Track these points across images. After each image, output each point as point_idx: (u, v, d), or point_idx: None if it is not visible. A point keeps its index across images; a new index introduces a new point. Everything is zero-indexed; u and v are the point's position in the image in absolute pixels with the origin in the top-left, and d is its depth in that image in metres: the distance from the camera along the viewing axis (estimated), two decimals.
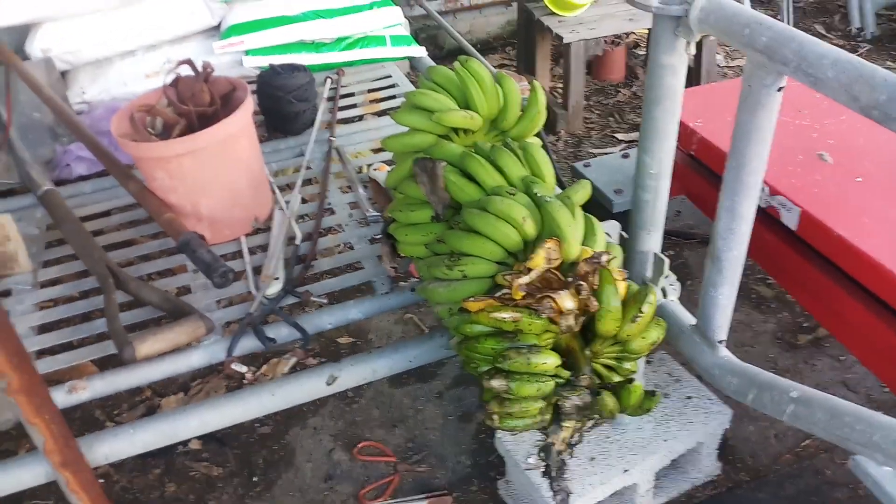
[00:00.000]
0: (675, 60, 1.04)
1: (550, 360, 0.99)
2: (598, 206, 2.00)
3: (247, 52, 1.96)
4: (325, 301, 1.27)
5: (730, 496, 1.70)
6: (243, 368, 1.14)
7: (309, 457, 1.74)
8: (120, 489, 1.68)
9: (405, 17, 3.45)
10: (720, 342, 1.15)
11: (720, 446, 1.67)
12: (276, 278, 1.31)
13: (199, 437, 1.79)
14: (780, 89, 0.88)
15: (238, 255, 1.42)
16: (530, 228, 1.07)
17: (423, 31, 3.42)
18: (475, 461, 1.75)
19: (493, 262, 1.08)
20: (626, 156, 2.11)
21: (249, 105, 1.39)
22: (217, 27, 2.01)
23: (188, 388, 1.88)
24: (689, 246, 2.45)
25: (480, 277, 1.08)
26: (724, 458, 1.75)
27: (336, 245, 1.44)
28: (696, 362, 1.19)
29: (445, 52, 3.42)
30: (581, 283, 0.99)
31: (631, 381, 0.99)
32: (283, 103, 1.73)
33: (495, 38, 3.66)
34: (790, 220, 1.50)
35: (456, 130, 1.27)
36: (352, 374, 1.18)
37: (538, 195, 1.10)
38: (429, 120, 1.23)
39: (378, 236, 1.47)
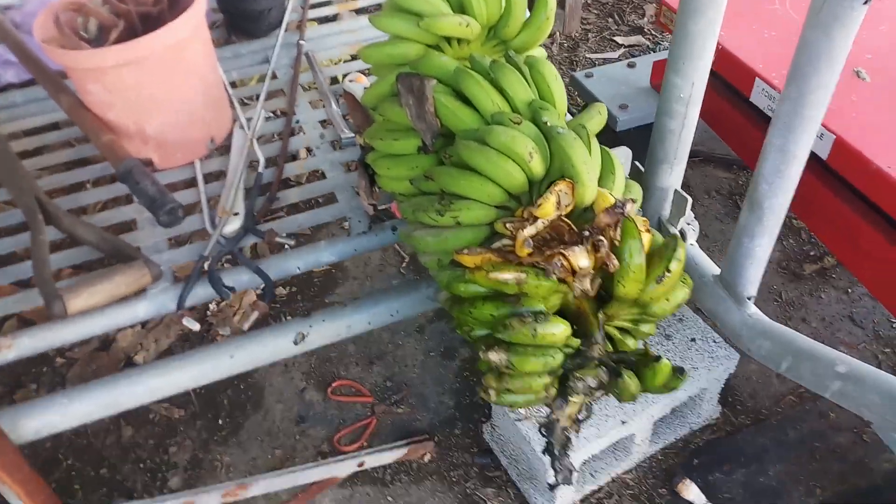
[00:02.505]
0: None
1: (560, 330, 0.83)
2: None
3: None
4: (291, 243, 1.09)
5: (729, 442, 1.60)
6: (195, 326, 0.97)
7: (279, 397, 1.60)
8: (72, 433, 1.54)
9: None
10: (749, 298, 1.00)
11: (721, 388, 1.56)
12: (236, 213, 1.12)
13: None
14: (866, 1, 0.69)
15: (192, 182, 1.22)
16: (538, 166, 0.89)
17: None
18: (458, 402, 1.62)
19: (491, 206, 0.90)
20: (631, 65, 1.90)
21: (202, 3, 1.16)
22: None
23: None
24: (691, 164, 2.27)
25: (476, 225, 0.91)
26: (724, 398, 1.64)
27: (305, 172, 1.25)
28: (718, 319, 1.04)
29: None
30: (600, 237, 0.82)
31: (658, 358, 0.83)
32: (244, 0, 1.48)
33: None
34: (822, 147, 1.33)
35: (448, 40, 1.06)
36: (323, 332, 1.02)
37: (548, 124, 0.91)
38: (416, 26, 1.02)
39: (353, 161, 1.28)
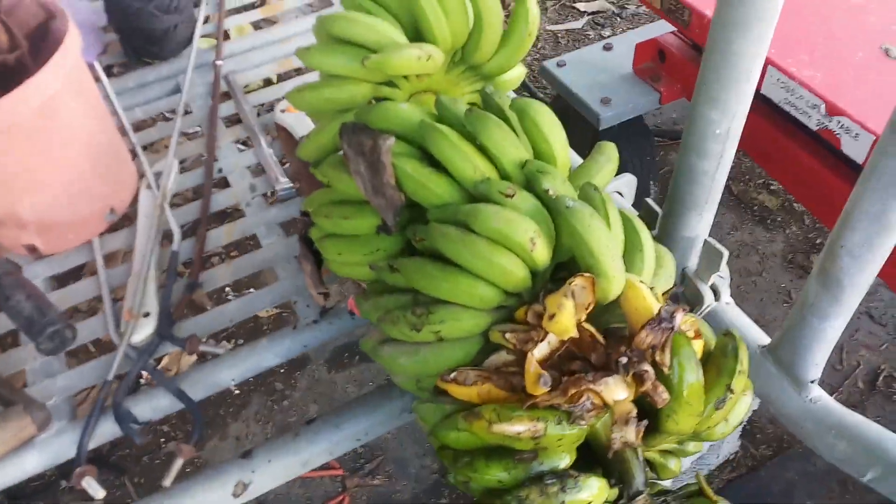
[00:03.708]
0: None
1: (597, 492, 0.60)
2: (580, 122, 1.56)
3: None
4: (220, 351, 0.85)
5: (752, 479, 1.42)
6: (100, 493, 0.73)
7: None
8: None
9: None
10: (812, 381, 0.78)
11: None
12: (146, 314, 0.87)
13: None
14: None
15: (93, 267, 0.96)
16: (542, 254, 0.66)
17: None
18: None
19: (484, 310, 0.67)
20: (608, 48, 1.66)
21: (74, 42, 0.88)
22: None
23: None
24: (676, 147, 2.06)
25: (465, 338, 0.67)
26: (742, 428, 1.46)
27: (234, 241, 0.99)
28: (772, 404, 0.83)
29: None
30: (644, 367, 0.59)
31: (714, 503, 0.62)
32: (143, 18, 1.19)
33: None
34: (856, 150, 1.11)
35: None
36: (271, 475, 0.78)
37: (550, 194, 0.67)
38: (360, 64, 0.76)
39: (295, 218, 1.03)
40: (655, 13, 1.45)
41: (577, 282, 0.63)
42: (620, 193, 1.03)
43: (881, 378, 1.52)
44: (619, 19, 2.45)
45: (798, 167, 1.28)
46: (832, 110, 1.11)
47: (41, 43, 0.91)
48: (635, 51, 1.56)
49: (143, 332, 0.85)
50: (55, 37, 0.92)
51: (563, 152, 0.72)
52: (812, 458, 1.43)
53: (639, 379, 0.60)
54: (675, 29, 1.50)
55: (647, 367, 0.59)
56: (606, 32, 2.41)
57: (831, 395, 0.97)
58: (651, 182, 1.74)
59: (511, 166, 0.70)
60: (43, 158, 0.88)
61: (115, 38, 1.26)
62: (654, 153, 1.74)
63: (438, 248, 0.67)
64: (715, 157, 0.77)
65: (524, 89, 2.14)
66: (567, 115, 1.55)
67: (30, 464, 0.78)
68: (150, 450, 1.41)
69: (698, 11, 1.34)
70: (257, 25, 1.39)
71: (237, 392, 1.50)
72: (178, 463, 0.76)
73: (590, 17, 2.47)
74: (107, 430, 0.80)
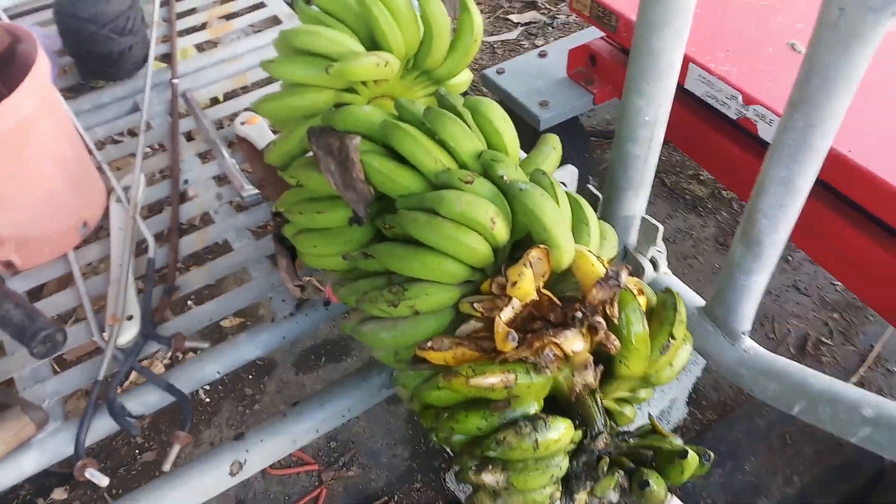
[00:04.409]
0: None
1: (564, 431, 0.68)
2: (521, 125, 1.66)
3: None
4: (205, 346, 0.90)
5: (701, 443, 1.53)
6: (104, 480, 0.78)
7: None
8: None
9: None
10: (744, 333, 0.88)
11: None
12: (129, 317, 0.92)
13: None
14: None
15: (68, 280, 1.00)
16: (502, 232, 0.74)
17: None
18: (413, 451, 1.47)
19: (453, 285, 0.75)
20: (543, 55, 1.76)
21: (43, 64, 0.93)
22: None
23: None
24: (609, 146, 2.18)
25: (438, 310, 0.75)
26: (688, 396, 1.57)
27: (207, 246, 1.05)
28: (710, 356, 0.93)
29: None
30: (598, 318, 0.68)
31: (683, 453, 0.70)
32: (99, 41, 1.24)
33: None
34: (771, 134, 1.23)
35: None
36: (264, 454, 0.84)
37: (505, 179, 0.75)
38: (322, 72, 0.83)
39: (262, 225, 1.09)
40: (585, 21, 1.56)
41: (534, 253, 0.71)
42: (564, 183, 1.13)
43: (809, 343, 1.66)
44: (550, 28, 2.58)
45: (723, 154, 1.40)
46: (748, 100, 1.23)
47: (11, 66, 0.95)
48: (568, 56, 1.67)
49: (129, 333, 0.90)
50: (22, 60, 0.96)
51: (513, 144, 0.81)
52: (754, 419, 1.54)
53: (593, 331, 0.69)
54: (604, 34, 1.61)
55: (599, 318, 0.68)
56: (539, 41, 2.53)
57: None
58: (589, 177, 1.85)
59: (468, 157, 0.78)
60: (18, 178, 0.92)
61: (69, 62, 1.30)
62: (591, 151, 1.85)
63: (409, 233, 0.74)
64: (645, 142, 0.87)
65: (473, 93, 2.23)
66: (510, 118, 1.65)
67: (28, 465, 0.82)
68: (125, 462, 1.44)
69: (625, 17, 1.45)
70: (201, 47, 1.44)
71: (207, 400, 1.54)
72: (176, 449, 0.82)
73: (523, 27, 2.59)
74: (102, 426, 0.84)
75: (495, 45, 2.51)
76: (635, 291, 0.74)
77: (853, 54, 0.59)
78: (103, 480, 0.78)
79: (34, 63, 0.91)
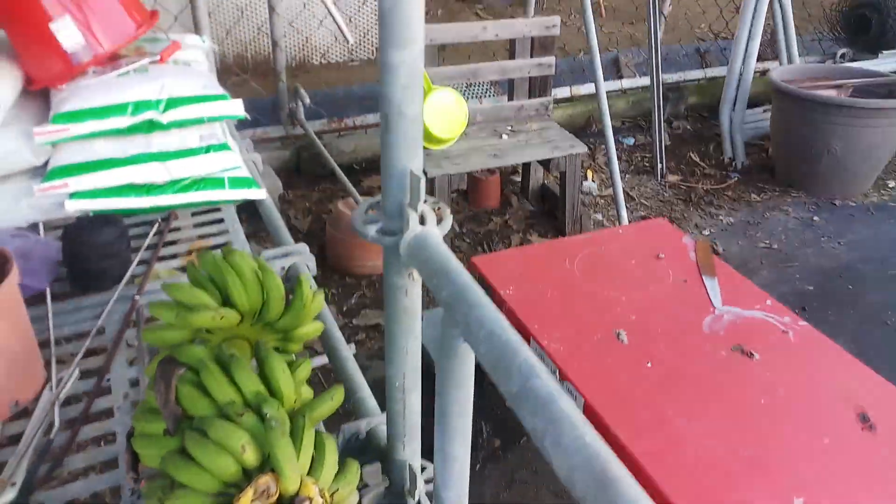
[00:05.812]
0: (406, 282, 0.98)
1: None
2: None
3: (71, 196, 1.88)
4: None
5: None
6: None
7: None
8: None
9: (287, 134, 3.44)
10: None
11: None
12: (13, 483, 1.19)
13: None
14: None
15: None
16: (251, 458, 0.99)
17: (306, 150, 3.38)
18: None
19: (208, 494, 0.99)
20: None
21: (13, 281, 1.29)
22: (43, 167, 1.93)
23: None
24: None
25: None
26: None
27: (100, 435, 1.33)
28: None
29: (329, 171, 3.41)
30: None
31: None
32: (89, 260, 1.63)
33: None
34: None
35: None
36: None
37: (266, 416, 1.01)
38: (176, 316, 1.15)
39: None
40: None
41: (264, 478, 0.96)
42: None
43: None
44: None
45: None
46: (562, 376, 1.46)
47: None
48: None
49: (6, 497, 1.17)
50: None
51: (288, 388, 1.08)
52: None
53: None
54: None
55: None
56: None
57: None
58: None
59: (250, 395, 1.05)
60: None
61: (64, 271, 1.70)
62: None
63: (186, 447, 1.00)
64: (400, 402, 1.11)
65: None
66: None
67: None
68: None
69: (500, 296, 1.74)
70: (180, 269, 1.82)
71: None
72: None
73: None
74: None
75: None
76: None
77: (452, 368, 0.84)
78: None
79: (6, 279, 1.27)
